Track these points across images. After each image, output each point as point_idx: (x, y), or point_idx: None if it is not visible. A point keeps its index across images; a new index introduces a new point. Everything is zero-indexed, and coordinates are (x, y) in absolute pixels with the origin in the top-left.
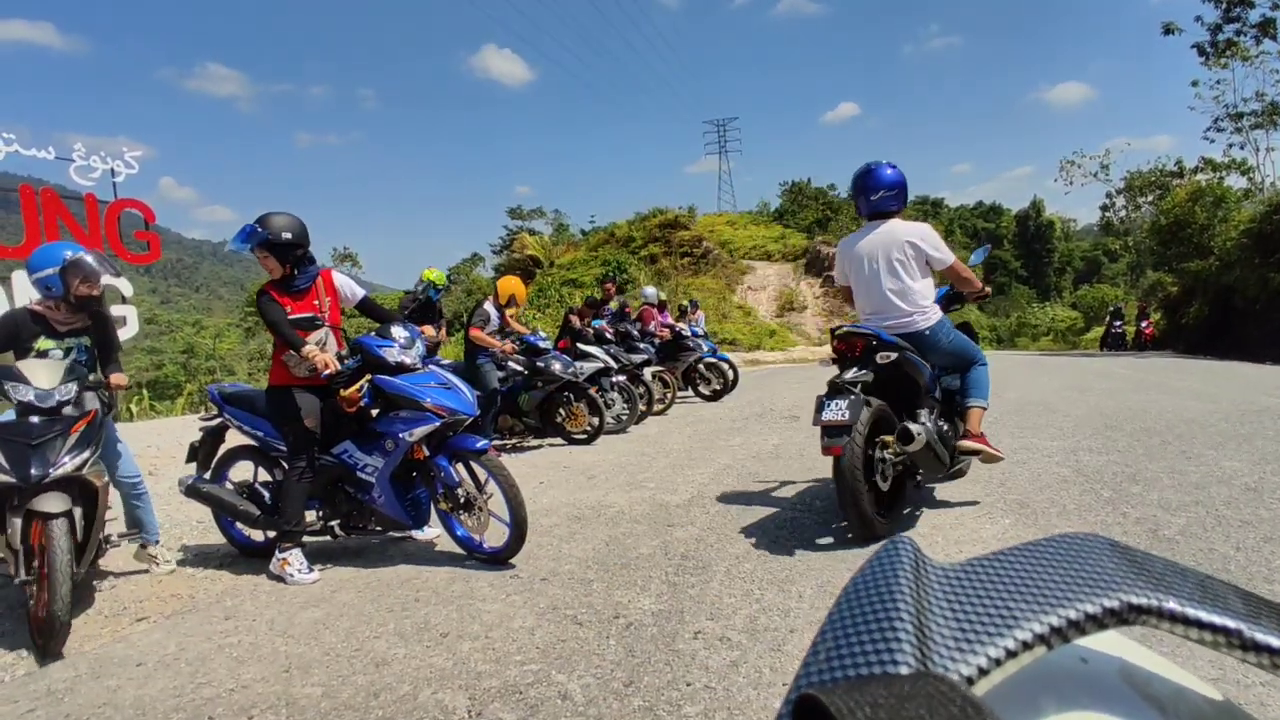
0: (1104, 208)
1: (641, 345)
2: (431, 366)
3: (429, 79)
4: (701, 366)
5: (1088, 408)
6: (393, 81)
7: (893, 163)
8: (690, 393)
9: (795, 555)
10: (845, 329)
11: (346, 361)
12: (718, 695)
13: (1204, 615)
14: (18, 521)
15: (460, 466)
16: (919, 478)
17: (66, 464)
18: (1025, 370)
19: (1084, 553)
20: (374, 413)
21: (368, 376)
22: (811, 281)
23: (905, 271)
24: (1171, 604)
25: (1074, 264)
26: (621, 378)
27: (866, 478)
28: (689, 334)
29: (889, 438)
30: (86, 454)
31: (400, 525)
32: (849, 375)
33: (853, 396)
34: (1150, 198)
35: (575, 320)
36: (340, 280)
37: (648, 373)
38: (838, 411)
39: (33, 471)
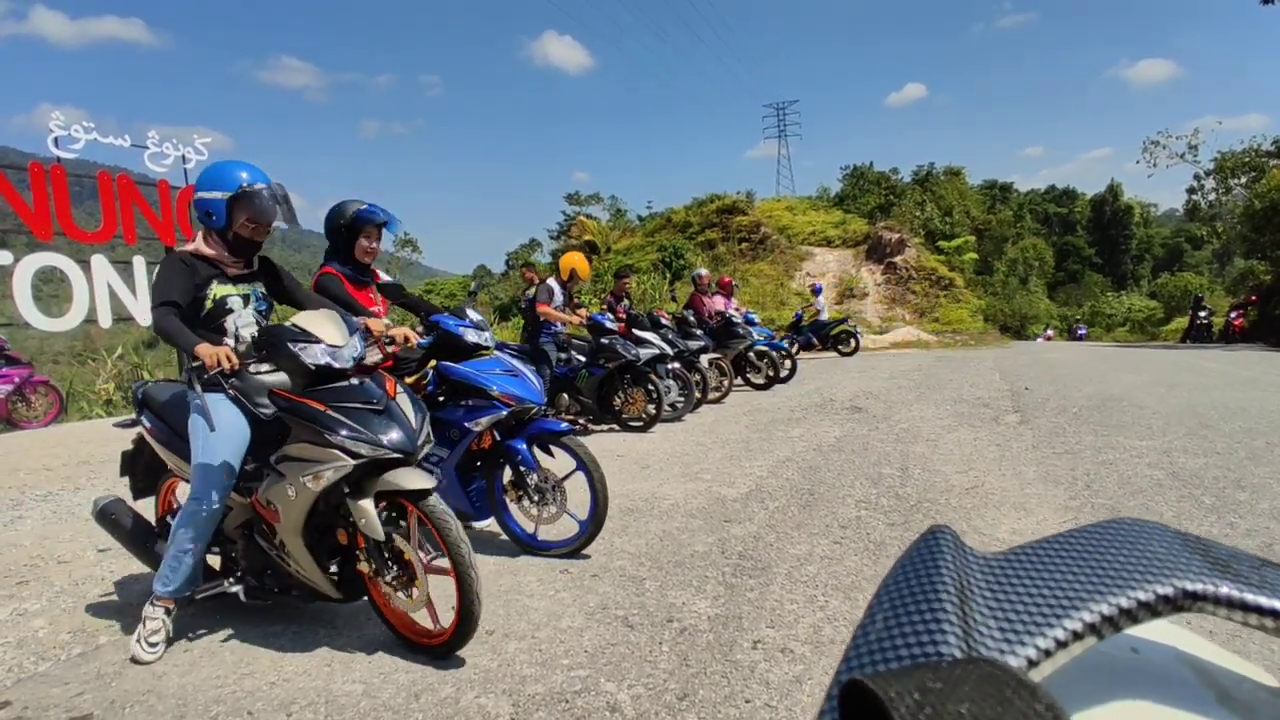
0: (1191, 191)
1: (698, 332)
2: (498, 352)
3: (491, 66)
4: (752, 354)
5: (1178, 404)
6: (456, 69)
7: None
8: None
9: (862, 558)
10: None
11: (419, 342)
12: (779, 715)
13: (1264, 600)
14: (366, 505)
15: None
16: None
17: (426, 428)
18: (1102, 363)
19: (1135, 537)
20: (439, 399)
21: (432, 363)
22: (873, 268)
23: None
24: (1228, 589)
25: (1153, 251)
26: (677, 365)
27: None
28: (739, 320)
29: None
30: (424, 414)
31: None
32: None
33: None
34: (1243, 180)
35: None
36: (385, 278)
37: (704, 360)
38: None
39: (404, 439)
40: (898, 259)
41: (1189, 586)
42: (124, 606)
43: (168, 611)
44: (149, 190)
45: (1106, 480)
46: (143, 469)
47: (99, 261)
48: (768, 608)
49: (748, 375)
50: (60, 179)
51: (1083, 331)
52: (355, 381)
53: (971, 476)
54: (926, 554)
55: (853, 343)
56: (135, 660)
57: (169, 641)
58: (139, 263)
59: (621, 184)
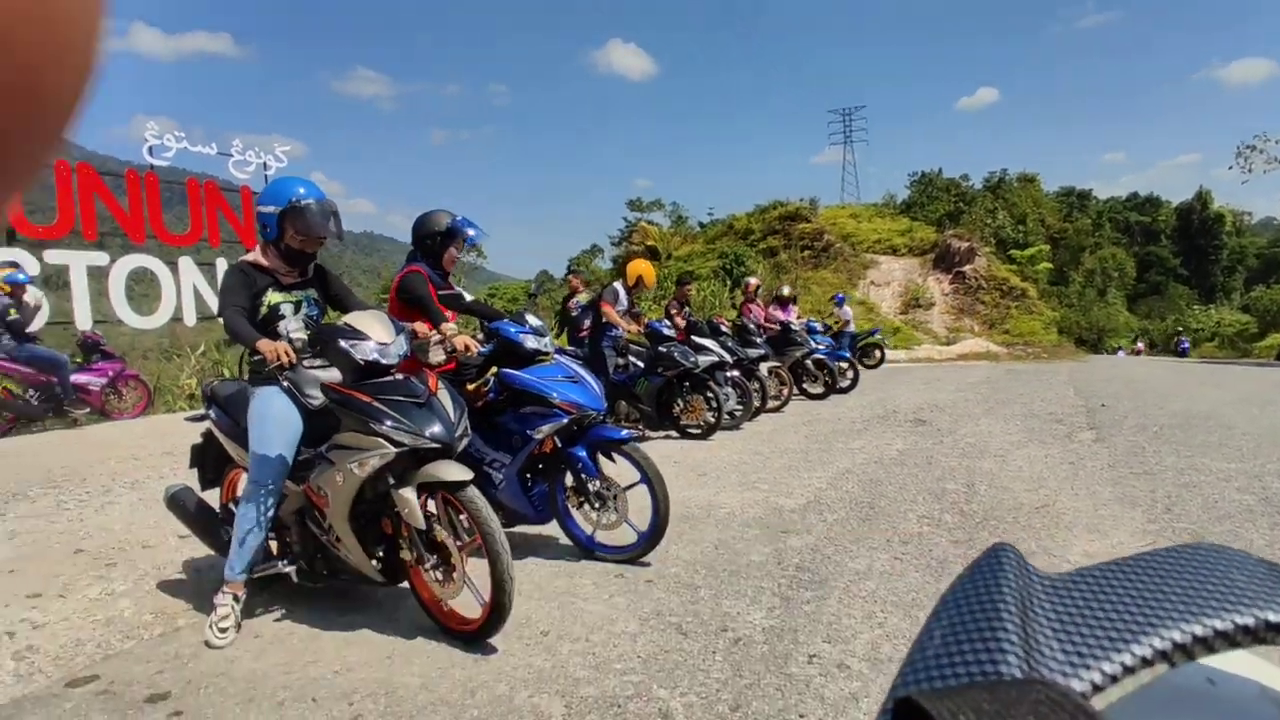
0: None
1: (757, 340)
2: (558, 358)
3: (556, 75)
4: (809, 363)
5: (1271, 424)
6: (522, 78)
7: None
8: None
9: (923, 575)
10: None
11: (480, 350)
12: None
13: None
14: (409, 495)
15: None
16: None
17: (464, 422)
18: (1187, 378)
19: (1215, 563)
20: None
21: (493, 370)
22: (940, 277)
23: None
24: None
25: (1246, 262)
26: (736, 372)
27: None
28: (797, 328)
29: None
30: (463, 409)
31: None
32: None
33: None
34: None
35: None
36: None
37: (763, 368)
38: None
39: (444, 431)
40: (967, 268)
41: (1272, 618)
42: (200, 591)
43: (236, 599)
44: (232, 195)
45: (1189, 504)
46: (211, 461)
47: (186, 263)
48: (824, 621)
49: (804, 385)
50: (153, 185)
51: (1186, 345)
52: (400, 377)
53: (1042, 495)
54: (988, 571)
55: (877, 354)
56: (208, 645)
57: (238, 627)
58: (221, 264)
59: (683, 190)
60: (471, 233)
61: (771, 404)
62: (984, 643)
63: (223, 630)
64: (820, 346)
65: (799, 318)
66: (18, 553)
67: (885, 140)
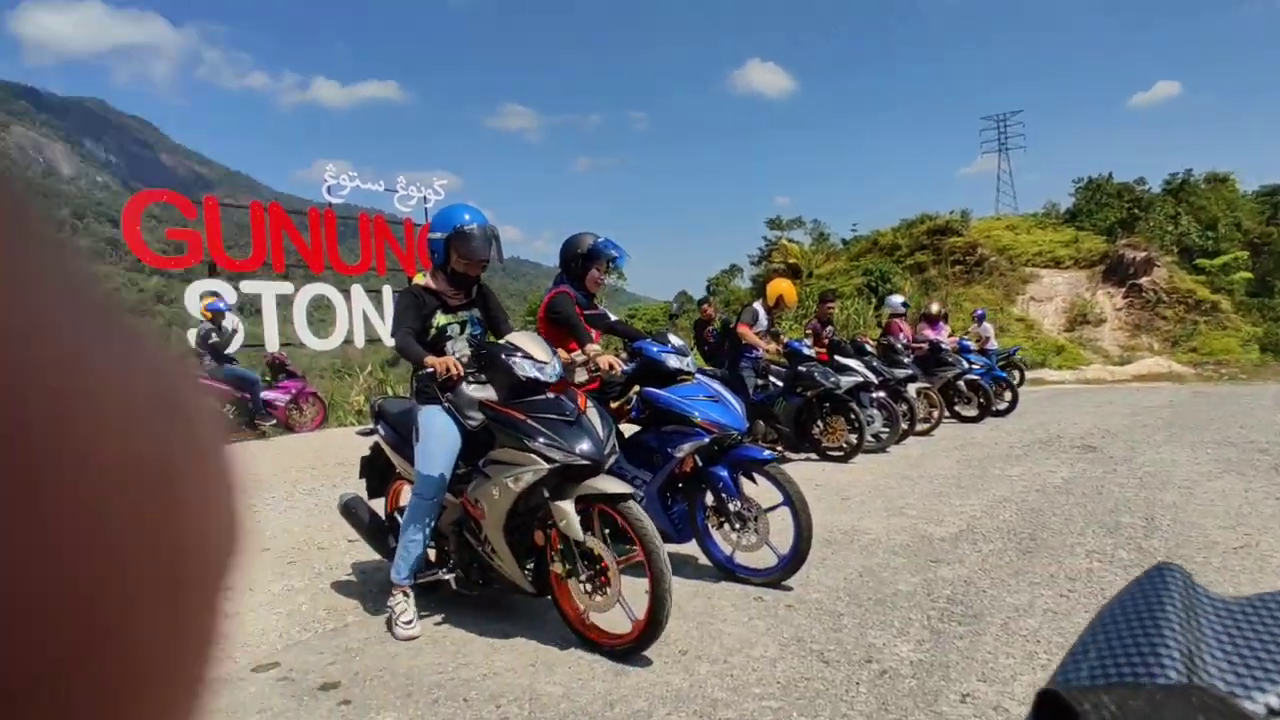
0: None
1: (905, 359)
2: (700, 378)
3: (694, 98)
4: (961, 384)
5: None
6: (661, 103)
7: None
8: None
9: (1093, 615)
10: None
11: (623, 368)
12: None
13: None
14: (567, 507)
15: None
16: None
17: (613, 439)
18: None
19: None
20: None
21: (636, 389)
22: (1112, 291)
23: None
24: None
25: None
26: (882, 394)
27: None
28: (947, 347)
29: None
30: (611, 427)
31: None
32: None
33: None
34: None
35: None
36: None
37: (911, 389)
38: None
39: (594, 449)
40: (1143, 280)
41: None
42: (365, 592)
43: (405, 595)
44: (396, 228)
45: None
46: (378, 472)
47: (356, 291)
48: (979, 659)
49: (956, 407)
50: (330, 221)
51: None
52: (552, 396)
53: (1240, 534)
54: (1149, 588)
55: (1016, 375)
56: (395, 637)
57: (418, 619)
58: (387, 291)
59: (824, 207)
60: (614, 254)
61: (920, 427)
62: (1139, 650)
63: (407, 623)
64: (974, 366)
65: (950, 336)
66: None
67: (1045, 146)
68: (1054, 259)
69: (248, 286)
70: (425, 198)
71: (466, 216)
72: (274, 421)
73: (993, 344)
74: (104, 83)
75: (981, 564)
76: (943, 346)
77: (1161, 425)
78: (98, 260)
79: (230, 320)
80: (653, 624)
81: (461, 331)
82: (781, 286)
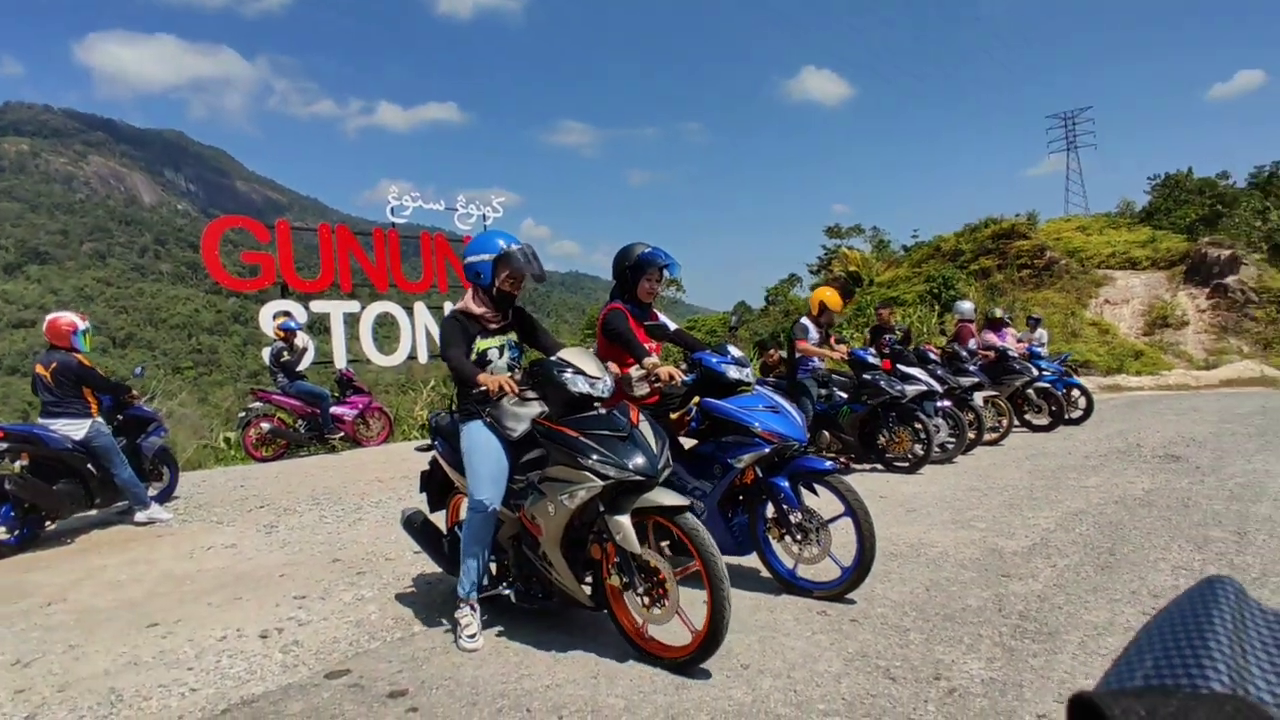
0: None
1: (970, 367)
2: (759, 388)
3: (749, 107)
4: (1031, 392)
5: None
6: (715, 114)
7: None
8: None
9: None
10: None
11: (683, 379)
12: None
13: None
14: (623, 521)
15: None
16: None
17: (666, 452)
18: None
19: None
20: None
21: (695, 400)
22: (1194, 292)
23: None
24: None
25: None
26: (948, 402)
27: None
28: (1016, 354)
29: None
30: (664, 441)
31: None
32: None
33: None
34: None
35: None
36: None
37: (978, 398)
38: None
39: (647, 464)
40: (1229, 279)
41: None
42: (430, 603)
43: (472, 608)
44: (456, 245)
45: None
46: (436, 486)
47: (420, 308)
48: (1055, 679)
49: (1026, 416)
50: (394, 241)
51: None
52: (603, 411)
53: None
54: (1199, 599)
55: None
56: (462, 650)
57: (482, 632)
58: (449, 307)
59: (883, 214)
60: (664, 262)
61: (989, 436)
62: (1183, 659)
63: (471, 636)
64: (1045, 373)
65: (1019, 341)
66: (288, 559)
67: (1116, 143)
68: (1129, 260)
69: (317, 306)
70: (484, 215)
71: (503, 242)
72: (342, 435)
73: (1044, 350)
74: (180, 115)
75: (1057, 579)
76: (1010, 353)
77: (1254, 433)
78: (180, 283)
79: (301, 338)
80: (712, 634)
81: (501, 355)
82: (823, 294)
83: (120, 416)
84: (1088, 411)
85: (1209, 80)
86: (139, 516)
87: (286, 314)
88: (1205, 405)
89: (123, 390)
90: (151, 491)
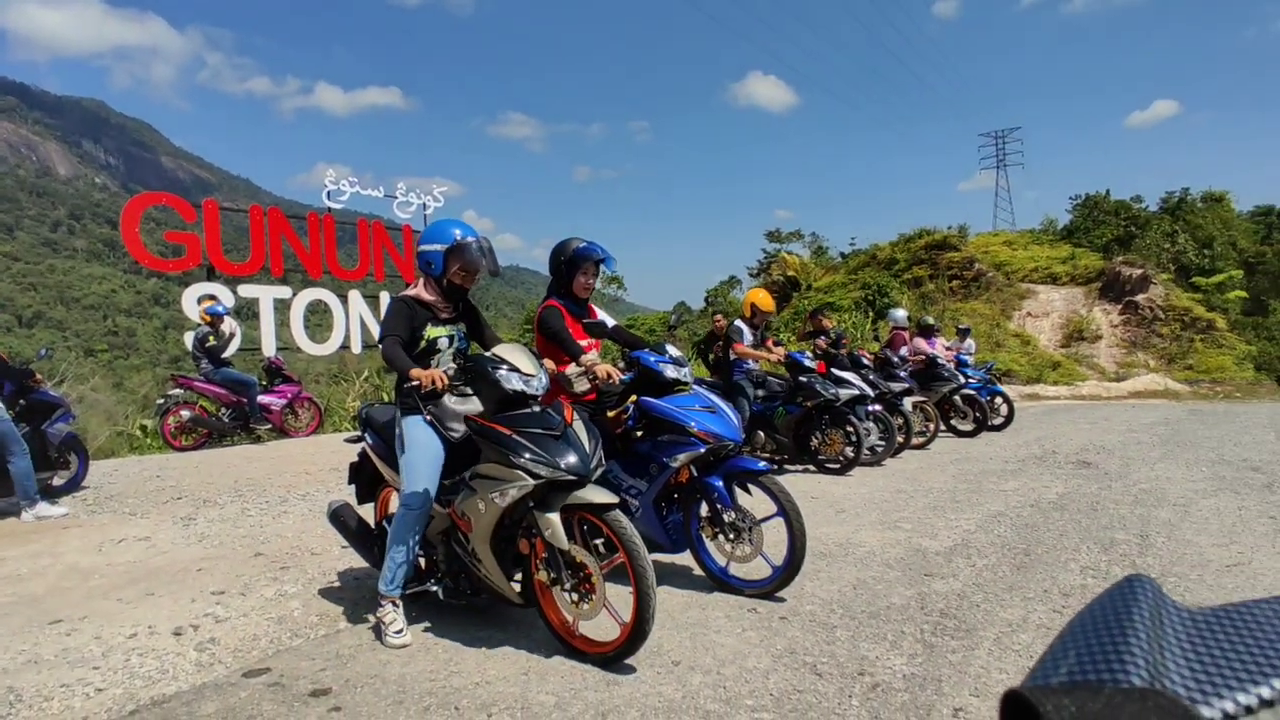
0: None
1: (901, 373)
2: (697, 388)
3: (696, 110)
4: (957, 399)
5: None
6: (663, 115)
7: None
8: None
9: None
10: None
11: (621, 377)
12: None
13: None
14: (552, 517)
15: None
16: None
17: (599, 452)
18: None
19: None
20: (638, 434)
21: (633, 398)
22: (1108, 308)
23: None
24: None
25: None
26: (878, 406)
27: None
28: (945, 362)
29: None
30: (597, 440)
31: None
32: None
33: None
34: None
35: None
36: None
37: (907, 403)
38: None
39: (579, 463)
40: (1139, 297)
41: None
42: (359, 599)
43: (395, 605)
44: (395, 234)
45: None
46: (366, 479)
47: (354, 296)
48: (972, 674)
49: (952, 421)
50: (330, 226)
51: None
52: (538, 409)
53: (1234, 552)
54: (1119, 598)
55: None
56: (388, 646)
57: (407, 628)
58: (384, 297)
59: (824, 221)
60: (600, 256)
61: (916, 440)
62: (1106, 655)
63: (397, 632)
64: (970, 381)
65: (947, 350)
66: (206, 553)
67: (1043, 163)
68: (1050, 275)
69: (245, 290)
70: (425, 204)
71: (458, 231)
72: (269, 426)
73: (969, 360)
74: (102, 83)
75: (976, 578)
76: (940, 360)
77: (1156, 442)
78: (95, 261)
79: (228, 324)
80: (639, 626)
81: (450, 344)
82: (754, 296)
83: (23, 401)
84: (1009, 419)
85: (1129, 108)
86: (25, 515)
87: (213, 298)
88: (1115, 415)
89: (25, 375)
90: (58, 481)
